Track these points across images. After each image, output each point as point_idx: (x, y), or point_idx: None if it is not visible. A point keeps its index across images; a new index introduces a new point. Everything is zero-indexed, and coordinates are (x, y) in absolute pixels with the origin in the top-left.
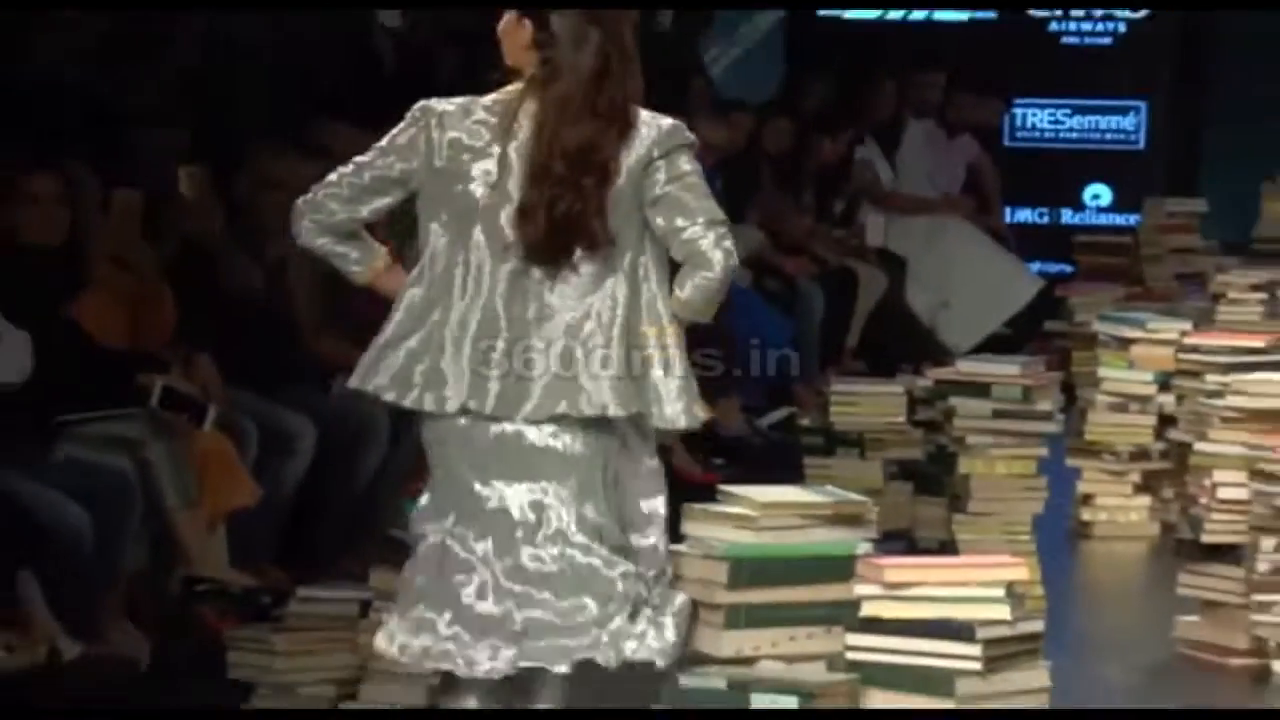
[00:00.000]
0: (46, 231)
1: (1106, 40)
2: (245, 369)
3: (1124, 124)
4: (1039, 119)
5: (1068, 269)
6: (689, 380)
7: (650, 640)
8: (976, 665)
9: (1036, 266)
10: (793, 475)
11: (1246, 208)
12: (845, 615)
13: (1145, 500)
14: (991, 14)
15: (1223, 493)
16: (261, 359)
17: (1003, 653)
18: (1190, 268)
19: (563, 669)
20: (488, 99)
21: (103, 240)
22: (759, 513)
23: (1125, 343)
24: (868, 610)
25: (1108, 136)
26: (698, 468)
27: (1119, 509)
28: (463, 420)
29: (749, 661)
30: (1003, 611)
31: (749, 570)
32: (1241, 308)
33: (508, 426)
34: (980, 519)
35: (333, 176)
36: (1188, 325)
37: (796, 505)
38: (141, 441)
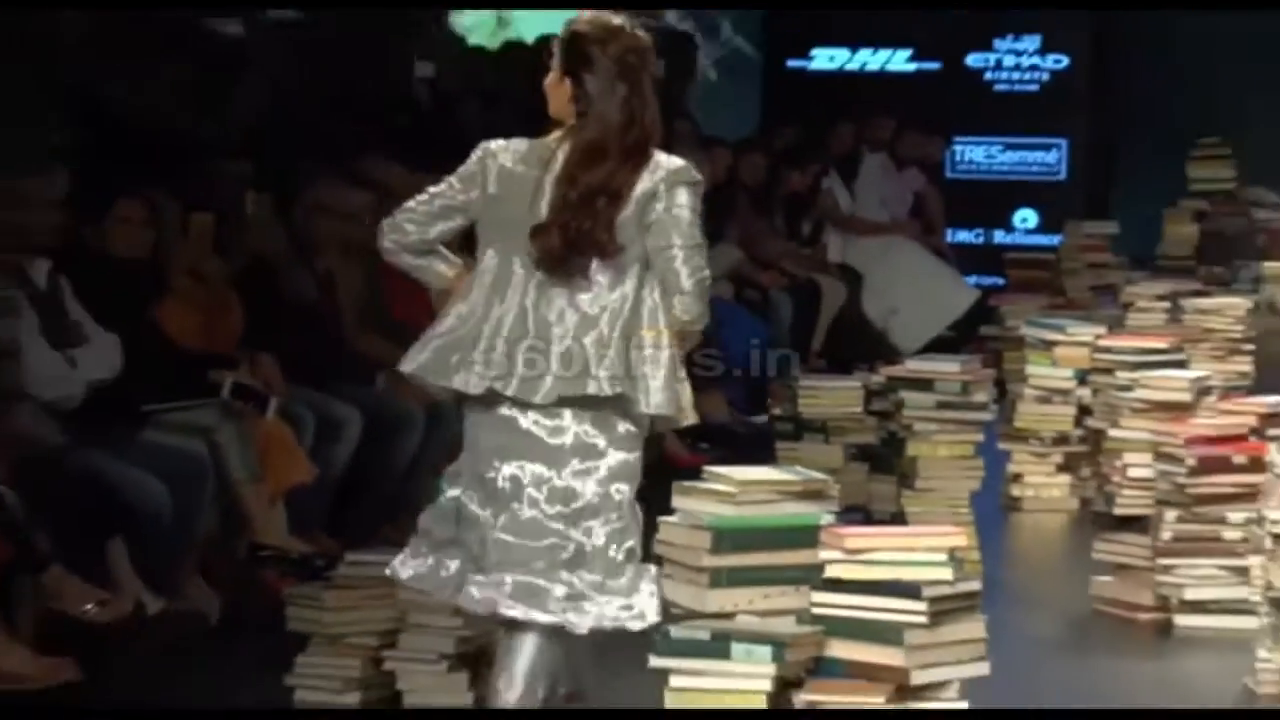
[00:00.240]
0: (134, 248)
1: (1033, 88)
2: (301, 366)
3: (1047, 158)
4: (975, 154)
5: (1000, 282)
6: (675, 377)
7: (621, 610)
8: (923, 619)
9: (973, 279)
10: (767, 457)
11: (1151, 230)
12: (811, 576)
13: (1066, 478)
14: (935, 65)
15: (1132, 472)
16: (315, 358)
17: (945, 608)
18: (1104, 281)
19: (542, 619)
20: (537, 140)
21: (181, 256)
22: (738, 489)
23: (1049, 344)
24: (830, 572)
25: (1033, 169)
26: (686, 451)
27: (1044, 486)
28: (492, 406)
29: (729, 616)
30: (945, 573)
31: (729, 538)
32: (1147, 315)
33: (524, 415)
34: (925, 494)
35: (410, 203)
36: (1102, 329)
37: (770, 483)
38: (214, 428)
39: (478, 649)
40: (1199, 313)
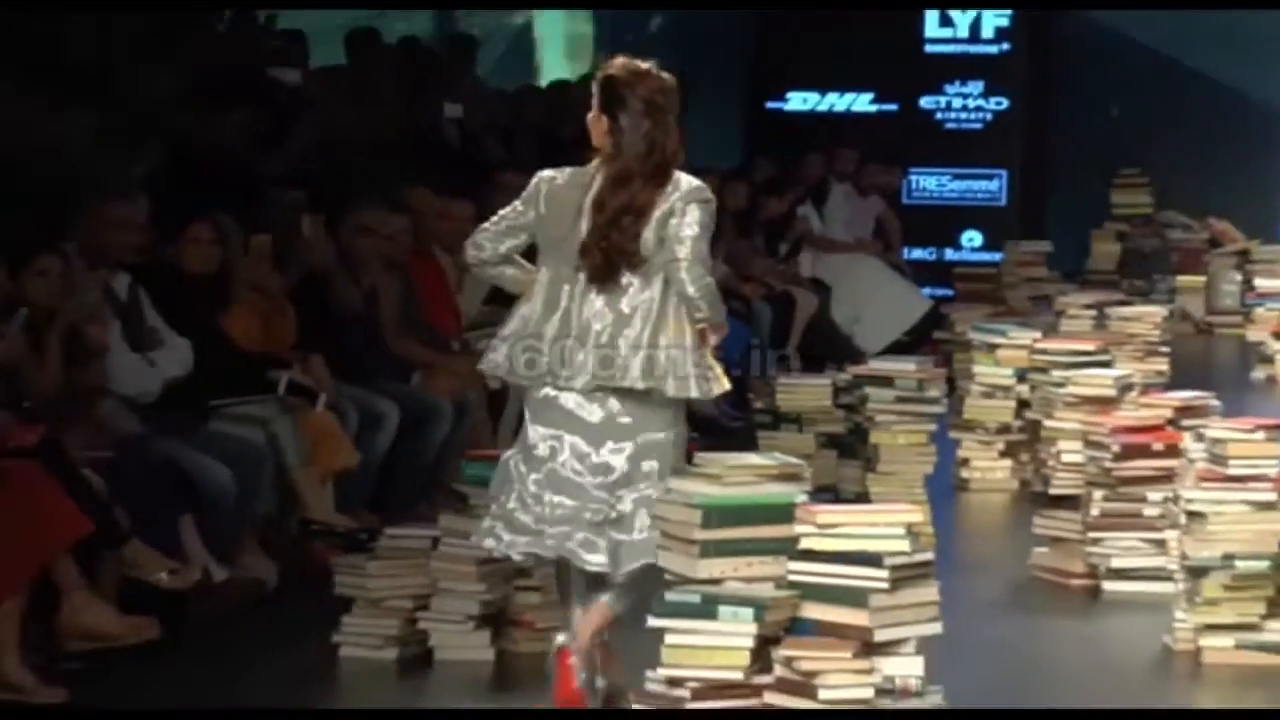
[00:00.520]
0: (204, 264)
1: (977, 126)
2: (347, 366)
3: (990, 187)
4: (928, 183)
5: (950, 293)
6: (703, 363)
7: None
8: (884, 585)
9: (927, 291)
10: (749, 445)
11: (1080, 248)
12: (788, 548)
13: (1008, 463)
14: (893, 106)
15: (1064, 457)
16: (359, 359)
17: (903, 575)
18: (1039, 292)
19: (547, 556)
20: (580, 168)
21: (243, 272)
22: (725, 472)
23: (992, 347)
24: (804, 544)
25: (978, 196)
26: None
27: (988, 469)
28: (545, 391)
29: (717, 582)
30: (903, 545)
31: (717, 515)
32: (1077, 321)
33: (569, 398)
34: (886, 477)
35: (486, 224)
36: (1038, 334)
37: (752, 467)
38: (271, 419)
39: (498, 610)
40: (1122, 320)
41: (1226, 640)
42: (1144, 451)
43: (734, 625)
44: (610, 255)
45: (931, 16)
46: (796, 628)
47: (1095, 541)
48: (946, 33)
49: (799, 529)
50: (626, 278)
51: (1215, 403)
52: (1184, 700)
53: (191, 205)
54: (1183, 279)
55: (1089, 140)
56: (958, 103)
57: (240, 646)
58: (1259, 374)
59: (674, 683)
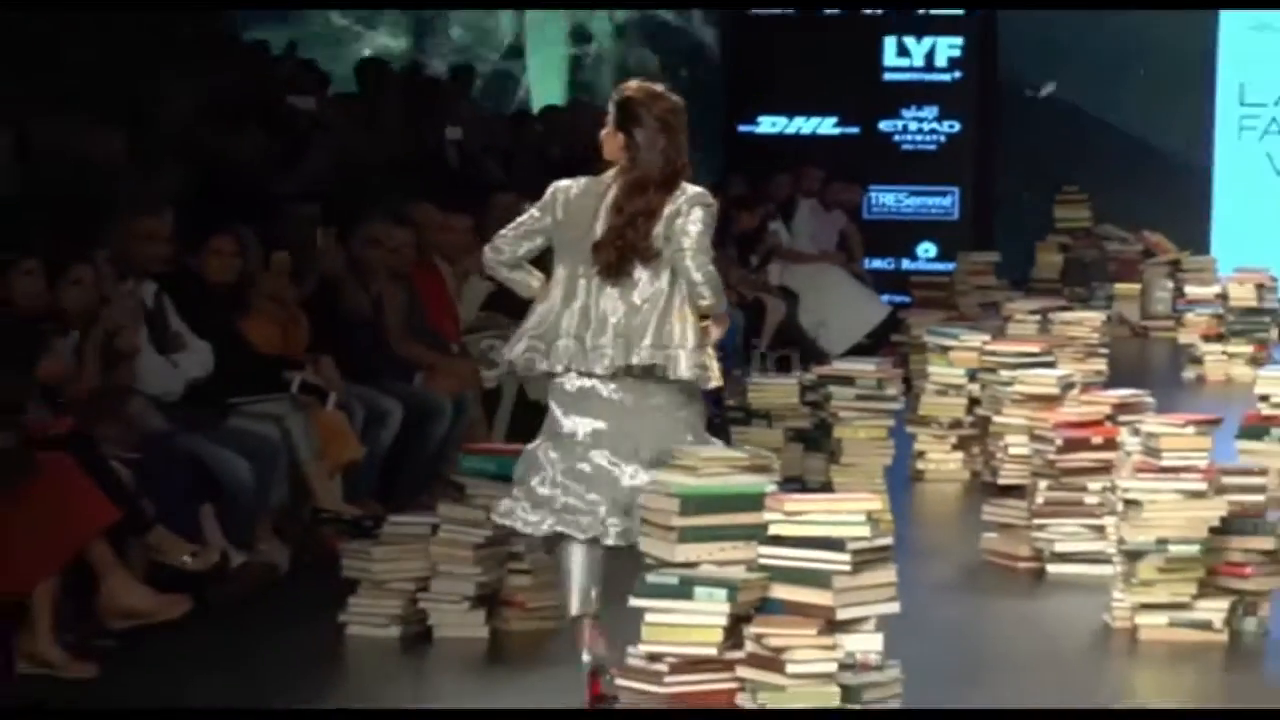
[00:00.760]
0: (224, 274)
1: (932, 147)
2: (355, 367)
3: (943, 202)
4: (887, 199)
5: (907, 299)
6: (700, 352)
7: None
8: (847, 568)
9: (886, 298)
10: (723, 438)
11: (1026, 259)
12: (758, 533)
13: (960, 455)
14: (855, 129)
15: (1012, 450)
16: (366, 360)
17: (864, 559)
18: (989, 299)
19: (580, 538)
20: (594, 178)
21: (264, 284)
22: (700, 464)
23: (946, 349)
24: (773, 530)
25: (933, 211)
26: None
27: (942, 461)
28: (564, 378)
29: (693, 565)
30: (864, 531)
31: (694, 503)
32: (1023, 325)
33: (587, 382)
34: (849, 468)
35: (503, 230)
36: (988, 337)
37: (725, 459)
38: (285, 416)
39: (492, 591)
40: (1064, 324)
41: (1160, 618)
42: (1084, 445)
43: (709, 605)
44: (624, 251)
45: (890, 47)
46: (766, 607)
47: (1040, 528)
48: (904, 62)
49: (768, 516)
50: (637, 272)
51: (1150, 400)
52: (1121, 673)
53: (213, 219)
54: (1119, 287)
55: (1034, 160)
56: (914, 126)
57: (256, 625)
58: (1189, 374)
59: (653, 658)
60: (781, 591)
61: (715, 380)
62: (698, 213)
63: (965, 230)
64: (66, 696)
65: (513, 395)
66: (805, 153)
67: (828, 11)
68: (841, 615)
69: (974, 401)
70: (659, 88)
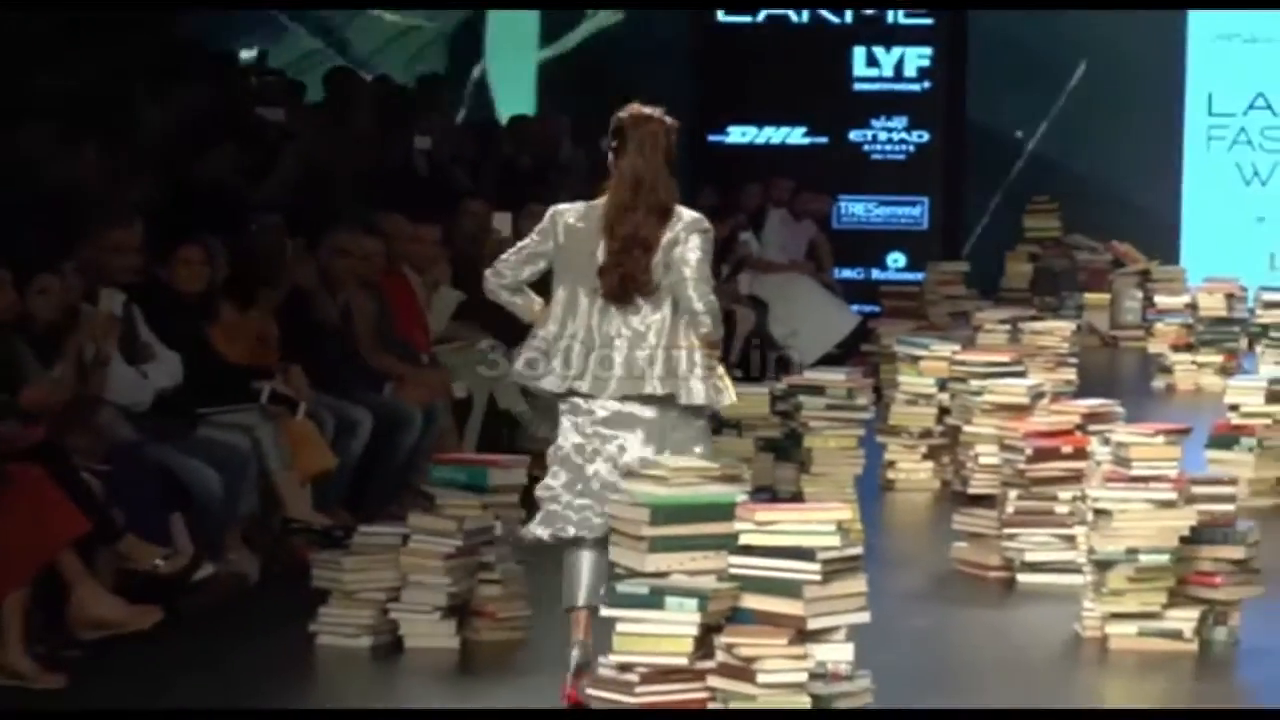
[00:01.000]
0: (193, 283)
1: (901, 157)
2: (324, 377)
3: (913, 212)
4: (856, 209)
5: (876, 309)
6: (711, 373)
7: None
8: (817, 577)
9: (856, 307)
10: None
11: (995, 268)
12: (729, 543)
13: (930, 464)
14: (824, 139)
15: (982, 459)
16: (335, 370)
17: (834, 569)
18: (958, 308)
19: (589, 536)
20: (592, 202)
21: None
22: (671, 474)
23: (916, 359)
24: (744, 540)
25: (902, 220)
26: None
27: (912, 470)
28: (572, 398)
29: (664, 575)
30: (835, 540)
31: (664, 513)
32: (993, 335)
33: (597, 403)
34: (819, 478)
35: (505, 255)
36: (957, 347)
37: (696, 469)
38: (254, 426)
39: (463, 602)
40: (1033, 334)
41: (1130, 628)
42: (1054, 454)
43: (679, 615)
44: (624, 280)
45: (859, 57)
46: (737, 617)
47: (1010, 537)
48: (873, 72)
49: (739, 526)
50: (640, 299)
51: (1119, 410)
52: (1091, 682)
53: (182, 229)
54: (1089, 296)
55: (1003, 170)
56: (883, 136)
57: (226, 635)
58: (1159, 383)
59: (624, 668)
60: (752, 601)
61: (730, 397)
62: (695, 240)
63: (934, 240)
64: (36, 707)
65: (483, 405)
66: (775, 163)
67: (797, 21)
68: (812, 625)
69: (944, 411)
70: (649, 110)
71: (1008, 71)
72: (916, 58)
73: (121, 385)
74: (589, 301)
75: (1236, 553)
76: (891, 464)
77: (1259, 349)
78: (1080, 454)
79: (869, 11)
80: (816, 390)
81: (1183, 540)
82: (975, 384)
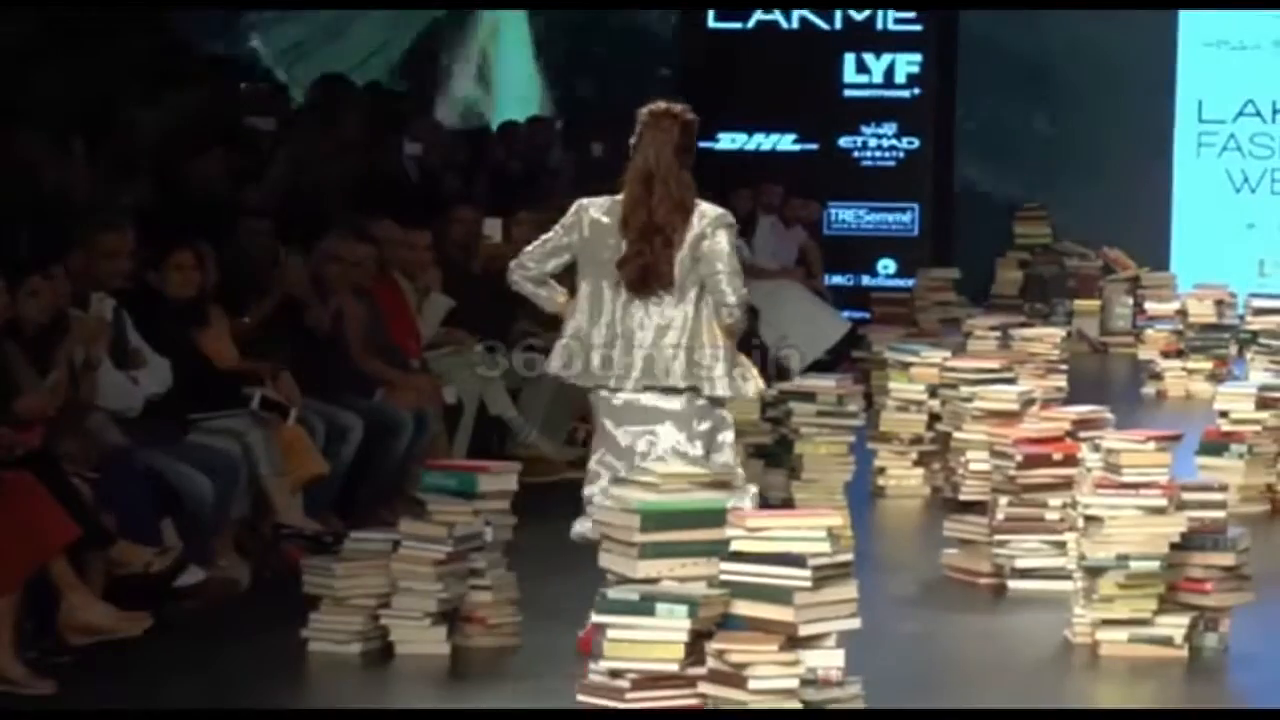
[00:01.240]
0: (184, 289)
1: (891, 163)
2: (315, 383)
3: (903, 219)
4: (846, 215)
5: (867, 315)
6: (734, 364)
7: None
8: (807, 583)
9: (846, 314)
10: None
11: (985, 275)
12: (720, 549)
13: (920, 471)
14: (814, 145)
15: (972, 466)
16: (326, 376)
17: (825, 575)
18: (948, 315)
19: None
20: (615, 197)
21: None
22: (661, 480)
23: (906, 365)
24: (735, 546)
25: (893, 227)
26: None
27: (903, 477)
28: (602, 391)
29: (655, 581)
30: (825, 547)
31: (655, 519)
32: (983, 342)
33: (625, 394)
34: (810, 484)
35: (529, 248)
36: (948, 353)
37: (686, 475)
38: (245, 432)
39: (453, 608)
40: (1024, 340)
41: (1121, 634)
42: (1045, 461)
43: (670, 621)
44: (644, 270)
45: (849, 64)
46: (727, 623)
47: (1001, 543)
48: (863, 79)
49: (730, 532)
50: (663, 292)
51: (1110, 416)
52: (1082, 689)
53: (174, 235)
54: (1079, 303)
55: (993, 176)
56: (873, 142)
57: (216, 641)
58: (1149, 390)
59: (615, 674)
60: (743, 607)
61: (756, 385)
62: (723, 234)
63: (925, 246)
64: (27, 712)
65: (474, 411)
66: (764, 169)
67: (787, 28)
68: (803, 631)
69: (934, 417)
70: (667, 106)
71: (997, 78)
72: (906, 64)
73: (112, 391)
74: (612, 295)
75: (1227, 559)
76: (882, 470)
77: (1249, 355)
78: (1071, 460)
79: (859, 16)
80: (807, 397)
81: (1173, 547)
82: (966, 390)
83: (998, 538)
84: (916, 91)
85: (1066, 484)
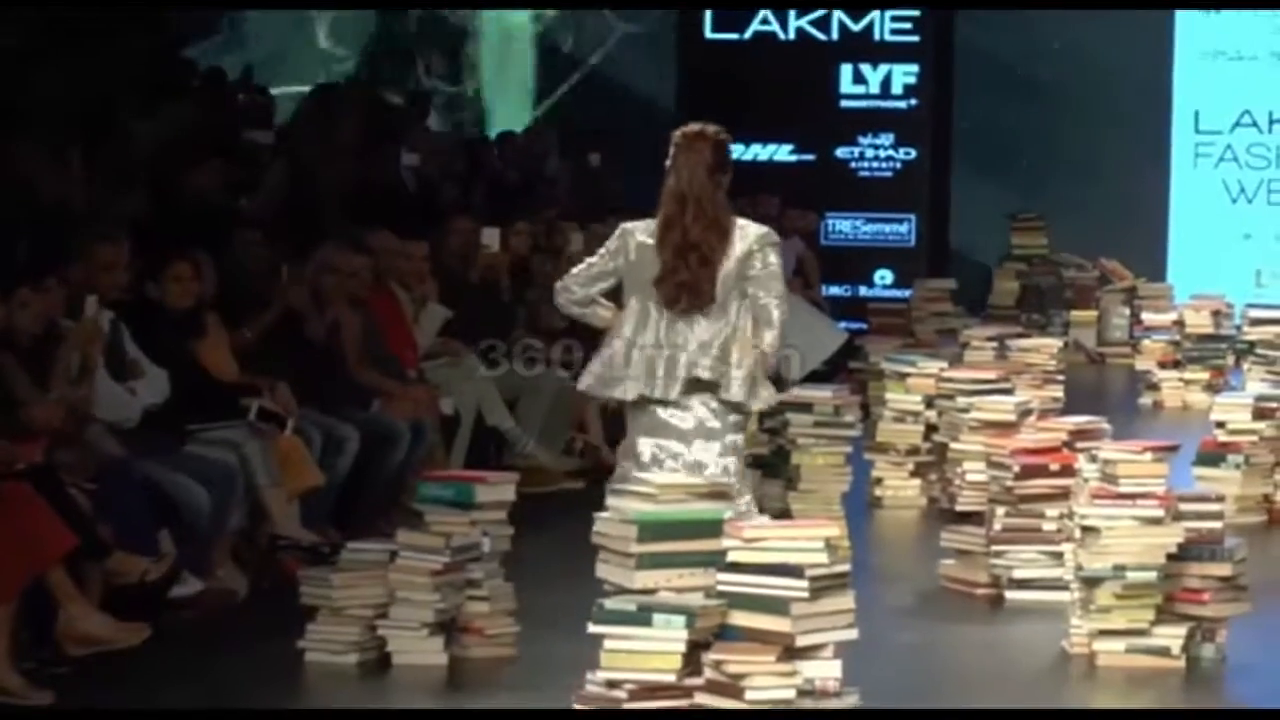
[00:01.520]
0: (182, 300)
1: (888, 174)
2: (312, 394)
3: (900, 229)
4: (844, 226)
5: (864, 326)
6: (752, 378)
7: None
8: (805, 594)
9: (843, 324)
10: None
11: (982, 285)
12: (717, 560)
13: (917, 482)
14: (811, 156)
15: (969, 476)
16: (323, 387)
17: (822, 585)
18: (945, 325)
19: None
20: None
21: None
22: (658, 491)
23: (903, 376)
24: (732, 557)
25: (889, 238)
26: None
27: (900, 488)
28: (642, 405)
29: (652, 592)
30: (822, 558)
31: (652, 530)
32: (980, 352)
33: (663, 409)
34: (807, 495)
35: (574, 270)
36: (944, 364)
37: (683, 485)
38: (242, 443)
39: (450, 618)
40: (1021, 351)
41: (1118, 644)
42: (1042, 471)
43: (667, 631)
44: (681, 288)
45: (846, 75)
46: (724, 634)
47: (998, 554)
48: (859, 89)
49: (727, 543)
50: (705, 311)
51: (1107, 426)
52: (1079, 699)
53: (172, 246)
54: (1076, 313)
55: (990, 187)
56: (870, 153)
57: (213, 651)
58: (1146, 400)
59: (612, 684)
60: (740, 618)
61: (761, 403)
62: (773, 255)
63: (922, 257)
64: None
65: (471, 422)
66: (762, 180)
67: (784, 39)
68: (800, 642)
69: (931, 428)
70: (700, 128)
71: (994, 89)
72: (903, 75)
73: (109, 402)
74: (658, 314)
75: (1224, 570)
76: (879, 481)
77: (1245, 366)
78: (1068, 471)
79: (856, 27)
80: (804, 407)
81: (1170, 557)
82: (963, 401)
83: (995, 548)
84: (913, 102)
85: (1063, 495)
